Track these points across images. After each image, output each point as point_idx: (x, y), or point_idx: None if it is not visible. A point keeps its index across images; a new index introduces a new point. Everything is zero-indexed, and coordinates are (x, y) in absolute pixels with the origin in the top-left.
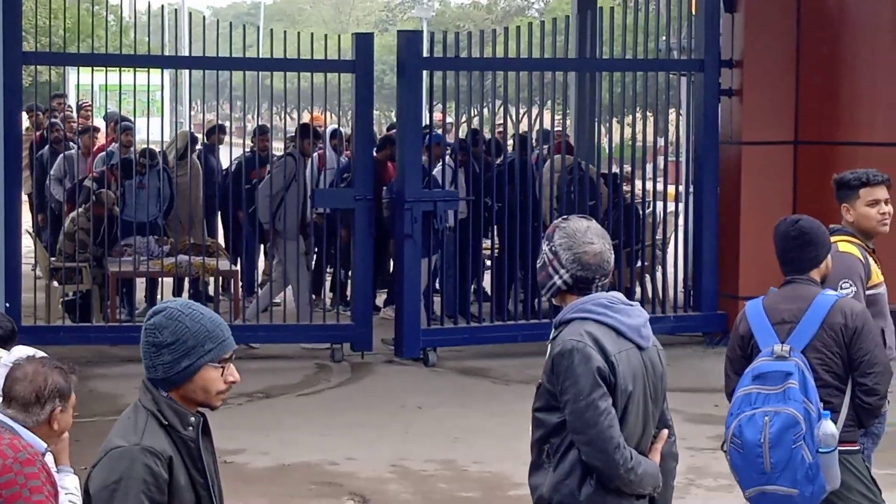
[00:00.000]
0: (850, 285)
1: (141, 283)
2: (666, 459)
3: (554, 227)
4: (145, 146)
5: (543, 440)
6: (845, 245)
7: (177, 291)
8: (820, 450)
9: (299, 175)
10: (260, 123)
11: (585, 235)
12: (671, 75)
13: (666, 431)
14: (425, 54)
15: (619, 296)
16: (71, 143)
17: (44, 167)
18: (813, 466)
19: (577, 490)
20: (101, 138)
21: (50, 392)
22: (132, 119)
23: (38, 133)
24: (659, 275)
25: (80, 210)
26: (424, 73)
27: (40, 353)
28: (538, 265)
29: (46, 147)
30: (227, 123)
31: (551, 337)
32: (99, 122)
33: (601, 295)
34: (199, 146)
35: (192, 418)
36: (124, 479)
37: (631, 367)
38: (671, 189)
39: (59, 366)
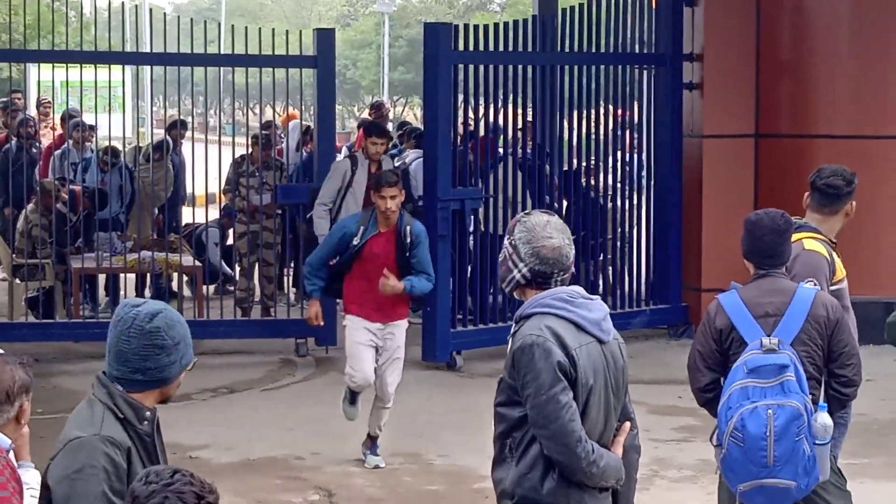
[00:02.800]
0: (815, 285)
1: (104, 280)
2: (628, 452)
3: (515, 221)
4: (109, 144)
5: (506, 434)
6: (811, 243)
7: (140, 288)
8: (816, 441)
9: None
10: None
11: (545, 230)
12: (634, 69)
13: (628, 424)
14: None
15: (580, 290)
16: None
17: (9, 162)
18: (811, 459)
19: (540, 484)
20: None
21: (18, 389)
22: (94, 116)
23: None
24: (625, 269)
25: (30, 207)
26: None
27: None
28: (499, 259)
29: (13, 141)
30: (190, 119)
31: (511, 332)
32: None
33: (561, 289)
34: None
35: (148, 413)
36: (85, 467)
37: (591, 361)
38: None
39: (20, 361)
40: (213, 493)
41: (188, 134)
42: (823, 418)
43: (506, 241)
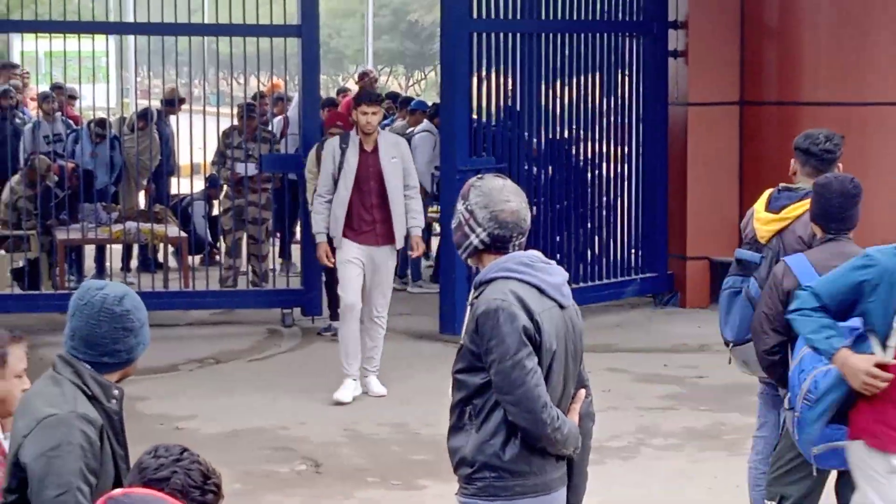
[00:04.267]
0: None
1: (89, 251)
2: (584, 420)
3: (469, 185)
4: (100, 117)
5: (465, 402)
6: None
7: (125, 259)
8: None
9: None
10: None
11: (502, 193)
12: (619, 37)
13: (583, 391)
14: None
15: (538, 254)
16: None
17: None
18: None
19: (502, 450)
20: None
21: None
22: (79, 86)
23: None
24: (614, 238)
25: (17, 178)
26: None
27: None
28: (453, 225)
29: None
30: (174, 88)
31: (471, 297)
32: (44, 89)
33: (521, 254)
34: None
35: (116, 391)
36: (62, 444)
37: (554, 326)
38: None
39: (13, 333)
40: (217, 477)
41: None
42: None
43: (460, 207)
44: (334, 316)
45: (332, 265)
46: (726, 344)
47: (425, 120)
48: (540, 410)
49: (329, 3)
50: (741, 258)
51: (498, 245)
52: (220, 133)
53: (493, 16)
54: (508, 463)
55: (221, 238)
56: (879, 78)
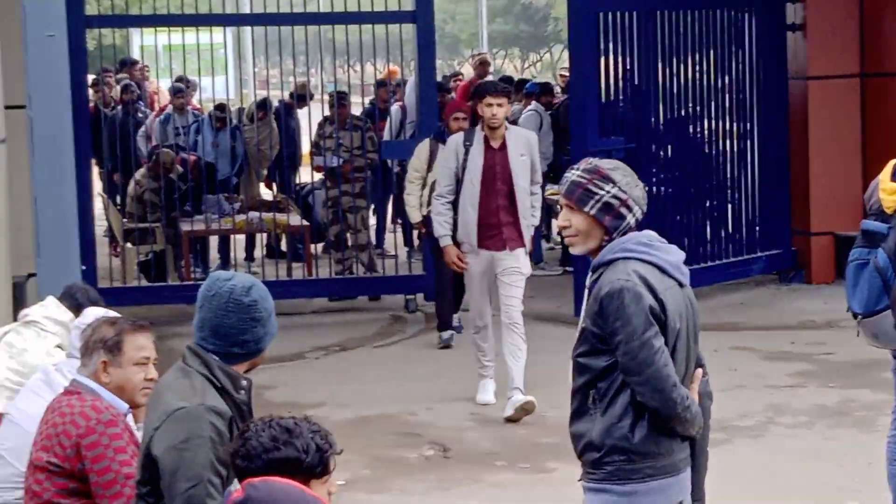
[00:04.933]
0: None
1: (214, 242)
2: (702, 399)
3: (605, 169)
4: (220, 102)
5: (588, 385)
6: None
7: (249, 248)
8: None
9: None
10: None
11: (634, 176)
12: (736, 13)
13: (700, 370)
14: None
15: (654, 234)
16: (140, 106)
17: (115, 127)
18: None
19: (631, 433)
20: (165, 100)
21: (94, 343)
22: (198, 78)
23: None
24: (739, 215)
25: (143, 171)
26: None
27: (113, 313)
28: (600, 206)
29: (119, 108)
30: (291, 79)
31: (591, 279)
32: (164, 83)
33: (638, 234)
34: (276, 103)
35: (244, 381)
36: (192, 437)
37: (676, 305)
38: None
39: (138, 324)
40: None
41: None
42: None
43: (609, 189)
44: (443, 326)
45: (465, 269)
46: (854, 317)
47: (533, 101)
48: (670, 390)
49: None
50: (867, 229)
51: (638, 224)
52: (317, 123)
53: None
54: (638, 445)
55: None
56: None
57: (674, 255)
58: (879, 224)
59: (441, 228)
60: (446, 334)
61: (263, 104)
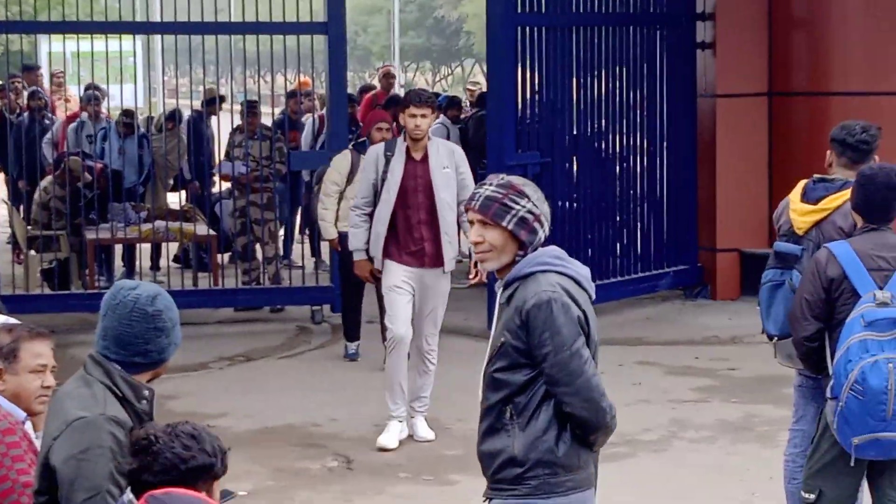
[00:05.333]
0: None
1: (119, 251)
2: None
3: (519, 184)
4: (127, 108)
5: (506, 401)
6: None
7: (155, 257)
8: None
9: None
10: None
11: (541, 192)
12: (647, 30)
13: None
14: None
15: (559, 249)
16: (47, 113)
17: (21, 134)
18: None
19: (556, 445)
20: (75, 107)
21: None
22: (107, 86)
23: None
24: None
25: (50, 179)
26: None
27: (13, 320)
28: (514, 221)
29: (26, 114)
30: (201, 88)
31: (506, 294)
32: (73, 89)
33: (549, 248)
34: (187, 113)
35: (146, 392)
36: (91, 448)
37: (592, 316)
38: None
39: (33, 329)
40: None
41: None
42: None
43: (524, 204)
44: (351, 336)
45: (375, 282)
46: (770, 338)
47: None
48: (600, 399)
49: (355, 0)
50: (780, 251)
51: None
52: (228, 133)
53: (536, 10)
54: (563, 458)
55: (233, 242)
56: None
57: (584, 269)
58: (792, 246)
59: (355, 241)
60: (353, 346)
61: (173, 115)
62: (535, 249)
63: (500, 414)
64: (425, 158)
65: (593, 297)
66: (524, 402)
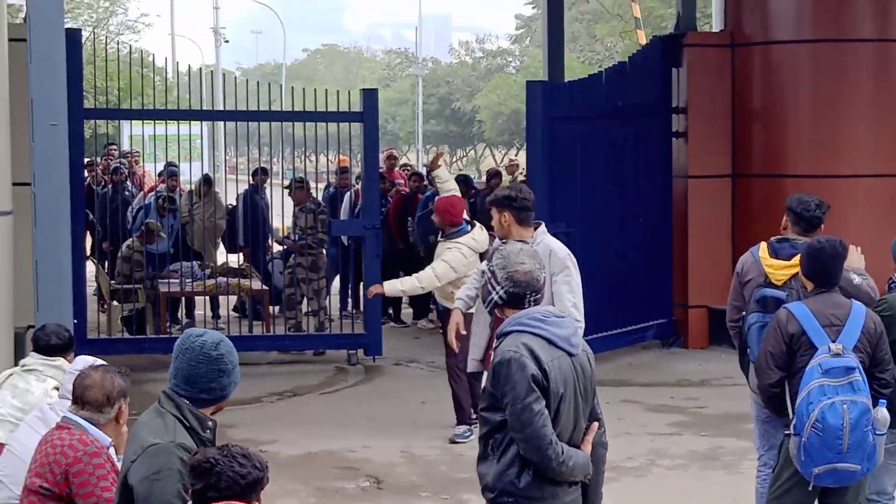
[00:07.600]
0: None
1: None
2: (596, 448)
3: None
4: (165, 194)
5: (488, 436)
6: None
7: (215, 308)
8: (877, 432)
9: None
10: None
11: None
12: (633, 122)
13: (596, 424)
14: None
15: (552, 309)
16: (127, 183)
17: (106, 203)
18: (873, 446)
19: (517, 478)
20: (151, 181)
21: (118, 393)
22: (177, 164)
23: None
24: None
25: (135, 237)
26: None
27: (99, 361)
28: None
29: (110, 186)
30: (256, 166)
31: (494, 346)
32: (149, 166)
33: (535, 309)
34: (244, 188)
35: (210, 423)
36: (163, 469)
37: (562, 373)
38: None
39: (119, 370)
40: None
41: (234, 178)
42: (883, 412)
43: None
44: (460, 419)
45: (455, 340)
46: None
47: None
48: (546, 447)
49: (385, 93)
50: (769, 296)
51: (514, 301)
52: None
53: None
54: (524, 490)
55: (283, 296)
56: (851, 154)
57: (565, 329)
58: (779, 291)
59: (463, 291)
60: (461, 429)
61: (208, 179)
62: (529, 306)
63: (485, 445)
64: None
65: (574, 352)
66: (500, 438)
